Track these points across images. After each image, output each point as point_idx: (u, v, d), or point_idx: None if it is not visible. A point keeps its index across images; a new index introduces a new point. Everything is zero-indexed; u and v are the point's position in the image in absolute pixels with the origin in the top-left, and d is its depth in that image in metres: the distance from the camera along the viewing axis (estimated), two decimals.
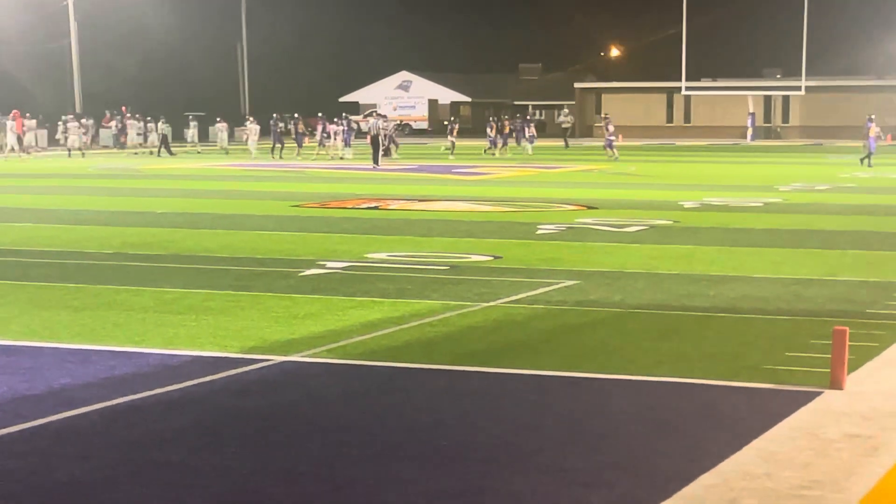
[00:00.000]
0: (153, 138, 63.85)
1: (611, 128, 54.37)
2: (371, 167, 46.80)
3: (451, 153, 56.89)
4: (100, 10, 79.86)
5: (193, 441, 8.10)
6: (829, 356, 9.56)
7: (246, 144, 60.63)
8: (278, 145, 57.62)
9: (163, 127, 63.20)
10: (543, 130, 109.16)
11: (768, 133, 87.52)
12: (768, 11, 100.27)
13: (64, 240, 20.29)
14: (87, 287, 14.84)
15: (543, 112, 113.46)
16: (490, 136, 59.35)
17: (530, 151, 58.53)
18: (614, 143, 53.64)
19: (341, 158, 54.20)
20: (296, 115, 63.46)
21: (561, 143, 70.11)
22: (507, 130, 60.17)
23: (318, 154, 56.14)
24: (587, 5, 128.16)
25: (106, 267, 16.80)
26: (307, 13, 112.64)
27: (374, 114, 61.57)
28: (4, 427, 8.35)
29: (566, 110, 69.95)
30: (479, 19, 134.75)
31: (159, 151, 60.15)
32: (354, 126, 59.67)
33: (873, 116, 50.17)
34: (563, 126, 70.26)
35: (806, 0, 74.62)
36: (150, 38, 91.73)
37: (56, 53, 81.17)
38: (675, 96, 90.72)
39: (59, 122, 63.49)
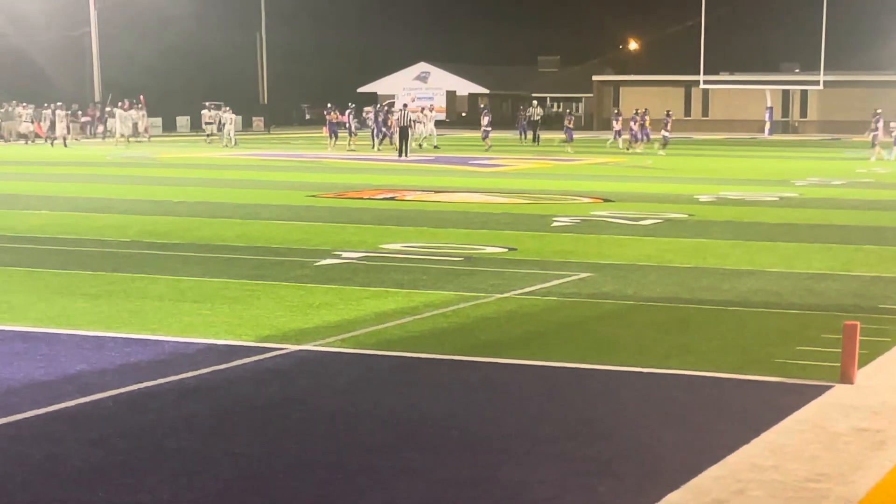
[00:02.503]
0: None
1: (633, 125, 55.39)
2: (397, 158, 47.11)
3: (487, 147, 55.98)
4: None
5: (207, 429, 8.18)
6: (840, 350, 9.61)
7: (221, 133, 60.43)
8: (378, 138, 56.15)
9: (225, 116, 62.42)
10: (561, 122, 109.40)
11: (786, 127, 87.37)
12: (787, 5, 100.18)
13: (80, 227, 20.41)
14: (103, 275, 14.94)
15: (561, 104, 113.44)
16: (634, 131, 56.34)
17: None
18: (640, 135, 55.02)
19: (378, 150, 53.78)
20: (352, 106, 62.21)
21: (556, 136, 69.37)
22: (647, 125, 56.69)
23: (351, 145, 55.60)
24: None
25: (122, 255, 16.90)
26: (326, 3, 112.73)
27: (383, 106, 61.58)
28: (21, 412, 8.44)
29: (535, 103, 67.75)
30: (498, 11, 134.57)
31: (229, 141, 59.91)
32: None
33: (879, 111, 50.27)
34: (533, 119, 67.50)
35: None
36: (169, 27, 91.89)
37: (76, 42, 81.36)
38: (693, 90, 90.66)
39: (48, 111, 63.66)
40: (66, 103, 66.30)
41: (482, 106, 62.57)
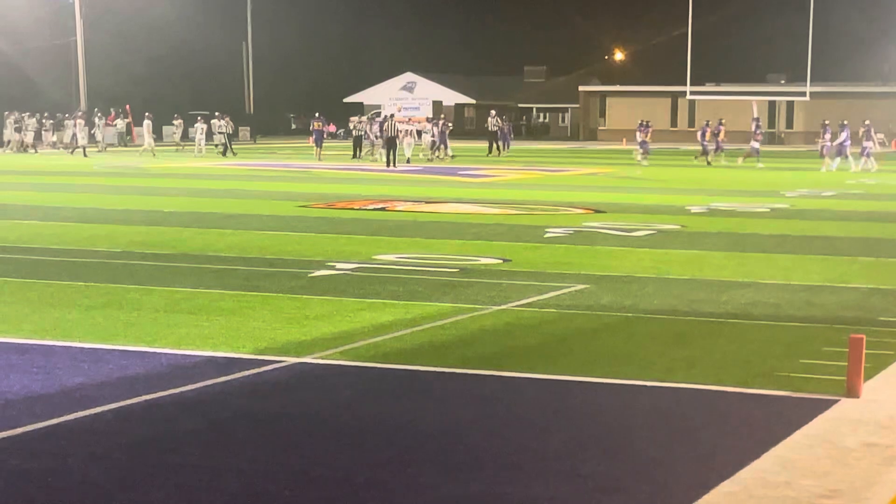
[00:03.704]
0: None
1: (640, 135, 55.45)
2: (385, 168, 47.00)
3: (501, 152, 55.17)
4: (106, 8, 79.97)
5: (207, 442, 8.07)
6: (844, 363, 9.54)
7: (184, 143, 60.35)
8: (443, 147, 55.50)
9: (222, 125, 62.05)
10: (547, 133, 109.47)
11: (772, 138, 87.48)
12: (773, 17, 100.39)
13: (72, 238, 20.27)
14: (96, 286, 14.81)
15: (548, 115, 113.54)
16: (704, 143, 54.95)
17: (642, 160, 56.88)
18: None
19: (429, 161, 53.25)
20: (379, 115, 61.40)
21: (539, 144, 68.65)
22: (721, 137, 55.72)
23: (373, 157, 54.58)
24: (592, 9, 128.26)
25: (115, 265, 16.77)
26: (313, 13, 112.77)
27: (366, 117, 61.38)
28: (19, 426, 8.32)
29: (493, 112, 65.91)
30: (485, 21, 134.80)
31: (225, 151, 59.53)
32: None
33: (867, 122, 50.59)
34: (491, 129, 64.43)
35: (811, 6, 74.55)
36: (156, 37, 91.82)
37: (63, 50, 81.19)
38: (680, 100, 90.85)
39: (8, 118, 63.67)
40: (52, 112, 66.25)
41: (503, 116, 61.46)
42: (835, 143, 50.68)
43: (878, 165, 48.85)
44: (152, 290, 14.48)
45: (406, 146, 52.66)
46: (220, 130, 62.24)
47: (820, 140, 52.56)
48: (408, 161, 50.91)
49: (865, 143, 49.61)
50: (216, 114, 64.49)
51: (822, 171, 48.25)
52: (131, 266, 16.74)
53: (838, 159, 49.44)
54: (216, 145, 62.76)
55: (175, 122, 70.66)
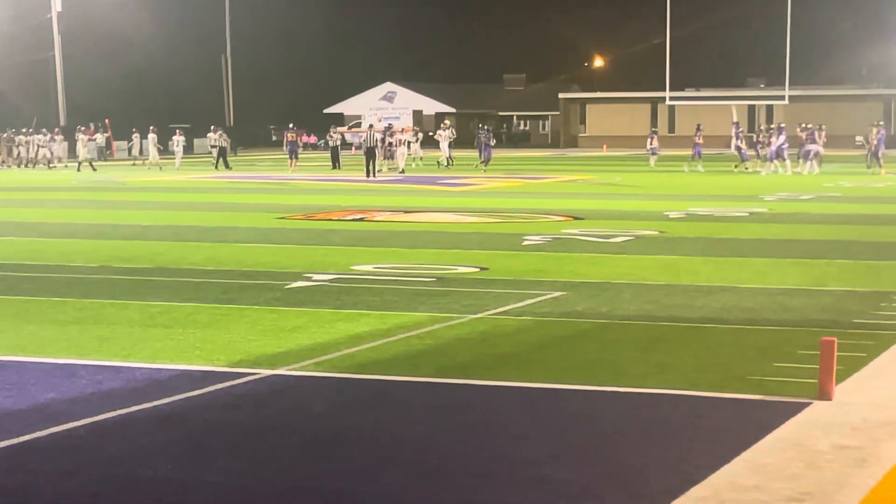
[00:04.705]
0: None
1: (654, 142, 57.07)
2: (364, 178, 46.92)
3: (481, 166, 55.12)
4: (84, 23, 79.86)
5: (182, 456, 8.06)
6: (817, 367, 9.56)
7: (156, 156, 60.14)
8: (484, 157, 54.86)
9: (214, 138, 61.56)
10: (527, 141, 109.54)
11: (751, 143, 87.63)
12: (752, 22, 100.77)
13: (48, 253, 20.22)
14: (72, 301, 14.78)
15: (528, 123, 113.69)
16: (742, 149, 54.08)
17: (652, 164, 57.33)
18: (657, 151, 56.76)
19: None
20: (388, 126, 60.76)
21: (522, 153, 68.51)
22: (698, 141, 55.84)
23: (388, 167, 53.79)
24: (572, 16, 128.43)
25: (91, 280, 16.74)
26: (291, 24, 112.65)
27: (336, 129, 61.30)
28: None
29: (447, 122, 64.13)
30: (464, 30, 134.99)
31: (217, 164, 59.21)
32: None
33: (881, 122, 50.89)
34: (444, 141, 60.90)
35: (789, 10, 74.81)
36: (135, 51, 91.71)
37: (41, 66, 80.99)
38: (660, 106, 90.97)
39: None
40: (34, 128, 66.12)
41: (486, 128, 60.86)
42: (772, 147, 50.89)
43: (819, 169, 49.03)
44: (128, 305, 14.46)
45: (399, 157, 52.40)
46: (213, 144, 61.57)
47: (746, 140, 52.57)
48: (402, 172, 50.70)
49: (810, 146, 49.88)
50: (211, 127, 64.29)
51: (763, 174, 49.02)
52: (108, 281, 16.71)
53: (776, 162, 49.69)
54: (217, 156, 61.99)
55: (134, 136, 70.12)
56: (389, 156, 54.11)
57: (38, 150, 63.30)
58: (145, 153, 63.48)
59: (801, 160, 50.03)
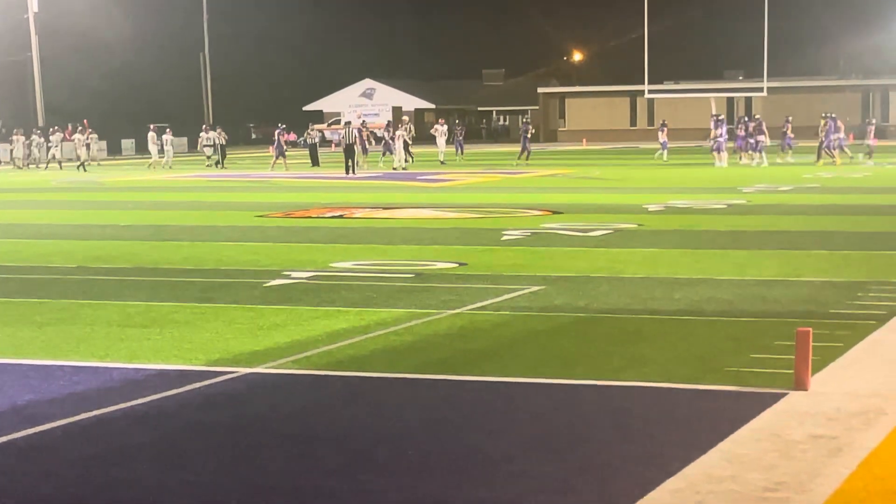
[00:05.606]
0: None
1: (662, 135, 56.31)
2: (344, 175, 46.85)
3: (522, 158, 54.97)
4: (61, 24, 79.65)
5: (159, 456, 8.05)
6: (793, 357, 9.60)
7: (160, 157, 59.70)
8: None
9: (212, 136, 61.10)
10: (507, 136, 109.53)
11: (731, 135, 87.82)
12: (729, 14, 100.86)
13: (26, 254, 20.17)
14: (50, 302, 14.76)
15: (507, 118, 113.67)
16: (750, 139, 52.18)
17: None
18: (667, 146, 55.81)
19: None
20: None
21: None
22: (663, 138, 56.04)
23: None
24: (550, 10, 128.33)
25: (69, 281, 16.71)
26: (270, 22, 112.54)
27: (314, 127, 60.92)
28: None
29: (405, 118, 62.75)
30: (442, 25, 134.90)
31: (217, 163, 58.81)
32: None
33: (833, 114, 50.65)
34: (405, 140, 62.46)
35: (766, 2, 74.89)
36: (112, 51, 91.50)
37: (18, 67, 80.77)
38: (639, 99, 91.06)
39: None
40: (9, 129, 65.89)
41: (525, 121, 60.12)
42: (713, 138, 51.04)
43: (767, 162, 49.15)
44: (106, 305, 14.43)
45: (398, 152, 52.39)
46: (206, 143, 60.98)
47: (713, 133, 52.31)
48: (404, 168, 50.69)
49: (759, 137, 49.97)
50: (203, 126, 63.96)
51: (715, 165, 49.40)
52: (86, 281, 16.68)
53: (724, 154, 49.84)
54: (208, 157, 61.64)
55: (80, 135, 69.39)
56: (388, 150, 54.24)
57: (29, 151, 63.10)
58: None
59: (753, 152, 50.32)
